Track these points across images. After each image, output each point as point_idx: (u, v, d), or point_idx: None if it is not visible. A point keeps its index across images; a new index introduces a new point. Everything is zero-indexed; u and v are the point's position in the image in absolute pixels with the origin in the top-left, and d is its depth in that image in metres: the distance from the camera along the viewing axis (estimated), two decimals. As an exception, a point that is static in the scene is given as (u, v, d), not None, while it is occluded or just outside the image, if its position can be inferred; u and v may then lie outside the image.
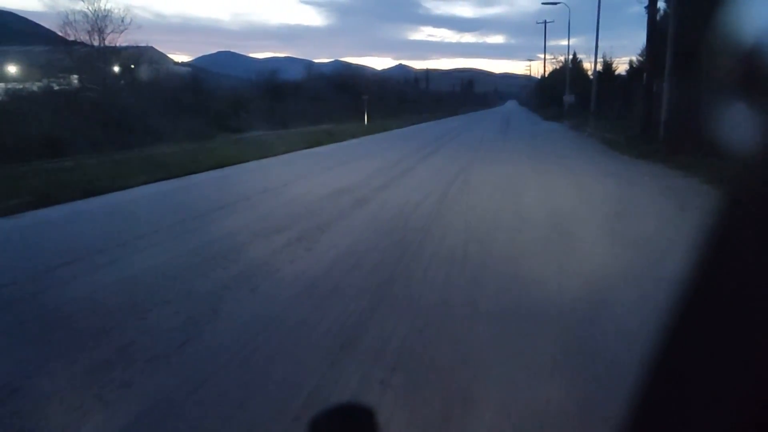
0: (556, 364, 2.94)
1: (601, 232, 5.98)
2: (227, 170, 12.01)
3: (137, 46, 25.54)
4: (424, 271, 4.60)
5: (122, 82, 23.43)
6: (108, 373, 2.87)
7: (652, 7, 18.81)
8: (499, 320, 3.55)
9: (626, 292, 4.04)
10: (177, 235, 6.07)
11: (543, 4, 48.15)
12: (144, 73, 26.56)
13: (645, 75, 20.08)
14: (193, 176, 10.86)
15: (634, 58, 32.84)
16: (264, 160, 14.08)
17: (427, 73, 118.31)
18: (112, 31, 21.61)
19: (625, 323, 3.45)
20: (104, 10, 21.51)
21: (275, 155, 15.23)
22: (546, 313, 3.65)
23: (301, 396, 2.64)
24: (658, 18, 19.81)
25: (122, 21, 21.89)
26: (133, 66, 25.84)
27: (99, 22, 21.12)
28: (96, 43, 21.32)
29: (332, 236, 5.88)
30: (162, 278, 4.51)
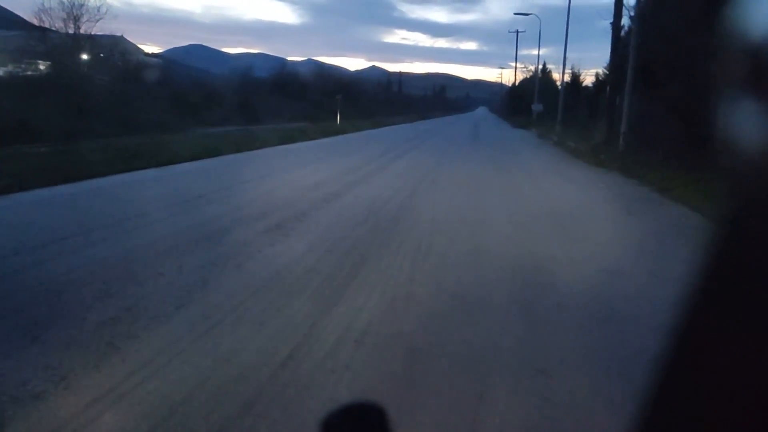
0: (503, 329, 3.47)
1: (552, 228, 6.56)
2: (205, 162, 12.33)
3: (109, 35, 25.49)
4: (393, 255, 5.10)
5: (93, 70, 23.33)
6: (117, 327, 3.29)
7: (616, 24, 19.68)
8: (458, 297, 4.07)
9: (566, 277, 4.61)
10: (163, 218, 6.45)
11: (515, 14, 48.86)
12: (116, 62, 26.45)
13: (608, 88, 21.02)
14: (173, 166, 11.17)
15: (600, 71, 33.98)
16: (239, 155, 14.43)
17: (401, 76, 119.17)
18: (88, 20, 21.62)
19: (559, 294, 4.00)
20: (81, -3, 21.52)
21: (250, 150, 15.57)
22: (499, 290, 4.18)
23: (288, 347, 3.11)
24: (622, 34, 20.76)
25: (98, 10, 21.93)
26: (102, 55, 25.74)
27: (75, 10, 21.12)
28: (71, 31, 21.31)
29: (308, 224, 6.34)
30: (153, 255, 4.92)
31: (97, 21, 21.87)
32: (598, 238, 6.25)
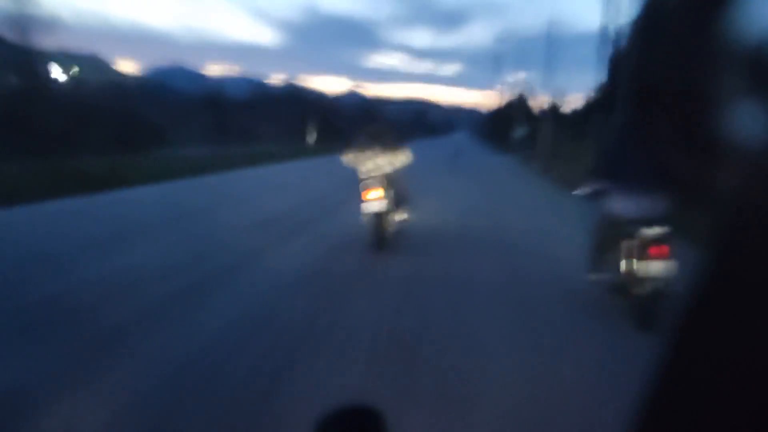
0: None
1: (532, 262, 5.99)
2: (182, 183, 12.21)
3: (80, 55, 24.84)
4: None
5: (54, 89, 22.61)
6: (173, 304, 4.04)
7: (604, 53, 19.28)
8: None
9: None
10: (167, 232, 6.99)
11: (496, 41, 48.62)
12: (84, 82, 25.76)
13: (597, 115, 20.63)
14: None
15: (587, 96, 33.83)
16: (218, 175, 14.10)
17: (379, 101, 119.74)
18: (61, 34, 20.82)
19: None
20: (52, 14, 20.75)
21: (238, 168, 15.39)
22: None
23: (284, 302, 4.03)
24: (614, 59, 20.35)
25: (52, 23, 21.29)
26: (71, 74, 25.07)
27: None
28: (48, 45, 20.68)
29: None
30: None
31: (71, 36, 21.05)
32: (556, 252, 6.33)
